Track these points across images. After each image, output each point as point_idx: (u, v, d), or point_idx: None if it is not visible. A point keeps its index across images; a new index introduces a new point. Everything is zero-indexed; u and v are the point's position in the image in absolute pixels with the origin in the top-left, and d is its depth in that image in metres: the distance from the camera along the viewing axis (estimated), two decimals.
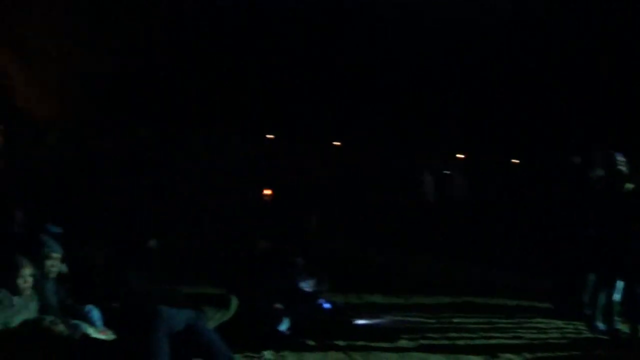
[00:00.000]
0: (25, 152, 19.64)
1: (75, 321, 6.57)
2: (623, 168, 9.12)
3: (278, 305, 8.60)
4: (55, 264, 7.09)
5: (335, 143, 24.32)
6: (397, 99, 23.55)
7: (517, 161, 22.97)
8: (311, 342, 8.19)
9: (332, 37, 23.93)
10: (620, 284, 8.99)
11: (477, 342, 8.60)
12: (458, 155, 22.81)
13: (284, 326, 8.41)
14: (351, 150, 23.07)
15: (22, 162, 18.46)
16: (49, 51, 23.49)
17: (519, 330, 9.23)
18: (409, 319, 9.68)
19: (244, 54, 24.35)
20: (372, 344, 8.23)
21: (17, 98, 23.98)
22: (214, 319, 6.91)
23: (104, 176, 16.39)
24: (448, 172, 20.63)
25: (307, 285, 9.32)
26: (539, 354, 8.23)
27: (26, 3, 23.45)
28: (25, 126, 22.37)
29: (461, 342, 8.50)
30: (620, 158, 9.18)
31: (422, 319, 9.70)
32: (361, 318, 9.33)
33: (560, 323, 9.74)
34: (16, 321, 6.10)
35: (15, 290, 6.25)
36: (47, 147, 20.54)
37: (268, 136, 24.21)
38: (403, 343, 8.36)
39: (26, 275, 6.33)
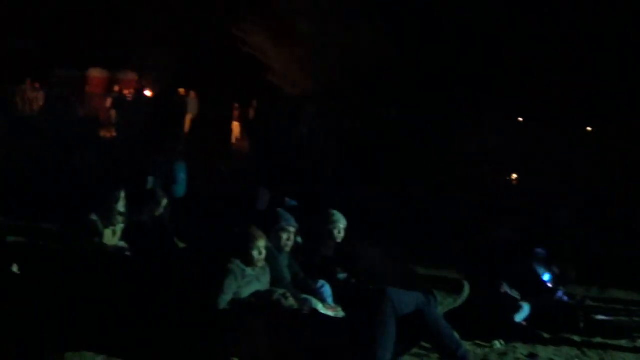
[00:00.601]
0: (278, 128, 20.18)
1: (306, 295, 6.61)
2: None
3: (515, 295, 8.28)
4: (290, 238, 7.21)
5: (587, 129, 23.29)
6: None
7: None
8: (545, 335, 7.82)
9: (588, 19, 22.87)
10: None
11: None
12: None
13: (519, 317, 8.08)
14: (604, 136, 21.95)
15: (274, 138, 18.97)
16: (304, 29, 24.01)
17: None
18: None
19: (499, 34, 23.82)
20: (610, 342, 7.72)
21: (273, 75, 24.73)
22: (444, 304, 6.71)
23: (348, 154, 16.55)
24: None
25: (547, 277, 8.91)
26: None
27: None
28: (279, 103, 23.03)
29: None
30: None
31: None
32: (601, 314, 8.78)
33: None
34: (247, 292, 6.26)
35: (249, 262, 6.37)
36: (299, 124, 21.01)
37: (519, 119, 23.58)
38: None
39: (261, 247, 6.44)
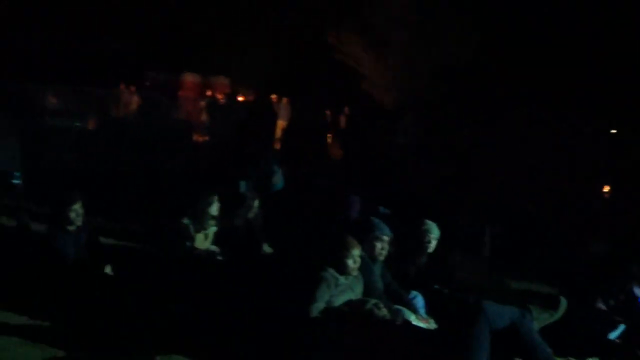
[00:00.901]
0: (373, 136, 20.12)
1: (399, 306, 6.55)
2: None
3: (609, 311, 8.06)
4: (384, 247, 7.16)
5: None
6: None
7: None
8: None
9: None
10: None
11: None
12: None
13: (614, 334, 7.85)
14: None
15: (368, 146, 18.91)
16: (398, 37, 23.99)
17: None
18: None
19: (589, 41, 23.39)
20: None
21: (366, 83, 24.72)
22: (539, 320, 6.59)
23: (442, 163, 16.37)
24: None
25: None
26: None
27: None
28: (373, 111, 22.97)
29: None
30: None
31: None
32: None
33: None
34: (340, 301, 6.24)
35: (343, 270, 6.34)
36: (397, 132, 20.90)
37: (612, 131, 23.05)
38: None
39: (355, 256, 6.42)
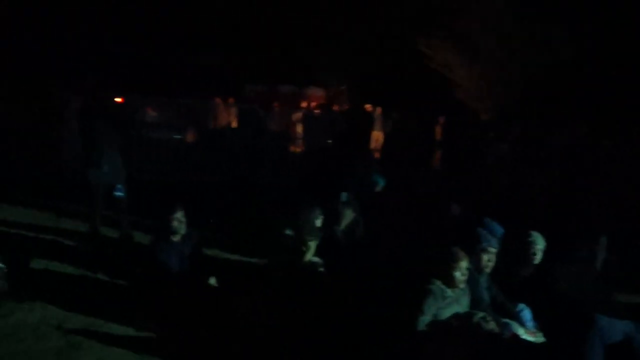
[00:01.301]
0: (470, 145, 19.85)
1: (506, 319, 6.43)
2: None
3: None
4: (491, 259, 7.04)
5: None
6: None
7: None
8: None
9: None
10: None
11: None
12: None
13: None
14: None
15: (465, 154, 18.67)
16: (490, 45, 23.72)
17: None
18: None
19: None
20: None
21: (460, 91, 24.49)
22: None
23: (548, 171, 16.01)
24: None
25: None
26: None
27: None
28: (468, 120, 22.73)
29: None
30: None
31: None
32: None
33: None
34: (446, 314, 6.16)
35: (451, 283, 6.26)
36: (500, 141, 20.57)
37: None
38: None
39: (463, 268, 6.32)
